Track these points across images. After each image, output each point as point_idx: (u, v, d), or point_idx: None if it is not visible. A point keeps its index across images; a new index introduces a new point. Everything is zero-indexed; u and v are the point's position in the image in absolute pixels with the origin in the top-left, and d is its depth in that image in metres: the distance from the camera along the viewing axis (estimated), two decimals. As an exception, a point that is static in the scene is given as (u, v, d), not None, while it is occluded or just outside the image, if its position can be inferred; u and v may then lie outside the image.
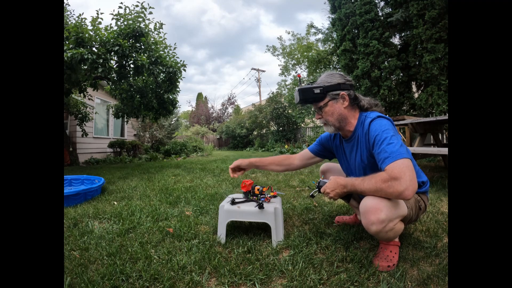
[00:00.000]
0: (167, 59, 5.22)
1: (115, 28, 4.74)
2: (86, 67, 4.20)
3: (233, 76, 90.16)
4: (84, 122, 6.76)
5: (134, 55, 4.73)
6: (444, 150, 2.54)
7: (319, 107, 1.22)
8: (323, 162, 1.63)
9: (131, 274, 1.07)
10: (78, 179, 3.24)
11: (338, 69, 8.56)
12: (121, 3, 4.66)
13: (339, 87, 1.18)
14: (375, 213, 1.01)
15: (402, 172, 0.95)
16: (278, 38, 12.17)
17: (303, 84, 1.25)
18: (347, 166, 1.37)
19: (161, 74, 5.32)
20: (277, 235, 1.37)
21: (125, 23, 4.70)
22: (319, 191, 1.21)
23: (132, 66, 4.99)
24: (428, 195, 1.30)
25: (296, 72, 10.54)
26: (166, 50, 5.30)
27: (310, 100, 1.21)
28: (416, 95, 5.70)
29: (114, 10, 4.64)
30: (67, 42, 4.21)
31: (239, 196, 1.62)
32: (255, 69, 24.26)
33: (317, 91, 1.16)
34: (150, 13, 4.85)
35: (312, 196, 1.28)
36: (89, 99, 6.49)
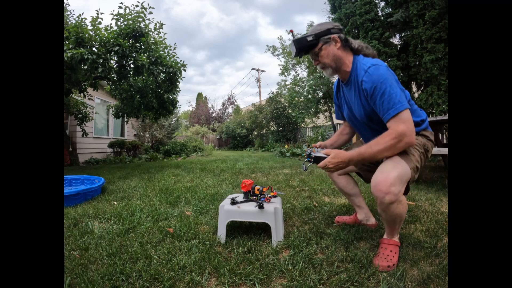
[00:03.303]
0: (167, 59, 5.21)
1: (115, 28, 4.74)
2: (86, 67, 4.19)
3: (232, 77, 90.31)
4: (84, 122, 6.76)
5: (134, 55, 4.73)
6: (444, 150, 2.54)
7: (315, 53, 1.28)
8: None
9: (131, 274, 1.07)
10: (78, 179, 3.24)
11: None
12: (121, 3, 4.66)
13: (329, 32, 1.24)
14: (386, 182, 1.04)
15: (406, 125, 1.06)
16: (278, 38, 12.16)
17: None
18: (349, 113, 1.39)
19: (161, 74, 5.32)
20: (277, 235, 1.37)
21: (125, 23, 4.69)
22: (314, 163, 1.20)
23: (132, 66, 4.98)
24: (430, 128, 1.33)
25: (296, 72, 10.54)
26: (166, 50, 5.29)
27: (305, 48, 1.27)
28: (416, 95, 5.69)
29: (114, 10, 4.64)
30: (67, 42, 4.20)
31: (236, 195, 1.62)
32: (255, 69, 24.29)
33: (310, 38, 1.24)
34: (150, 13, 4.85)
35: (305, 169, 1.27)
36: (89, 99, 6.49)
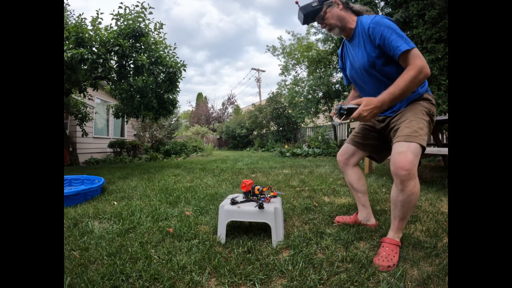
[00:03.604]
0: (167, 59, 5.21)
1: (115, 28, 4.74)
2: (86, 67, 4.19)
3: (232, 77, 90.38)
4: (84, 122, 6.76)
5: (134, 55, 4.73)
6: (444, 150, 2.54)
7: (320, 17, 1.38)
8: None
9: (131, 274, 1.07)
10: (78, 179, 3.24)
11: (338, 69, 8.55)
12: (121, 3, 4.66)
13: None
14: (406, 160, 1.13)
15: (421, 59, 1.16)
16: (278, 38, 12.15)
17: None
18: (351, 70, 1.47)
19: (161, 74, 5.32)
20: (277, 235, 1.37)
21: (125, 23, 4.69)
22: (348, 115, 1.22)
23: (132, 66, 4.98)
24: (430, 91, 1.41)
25: (296, 72, 10.54)
26: (166, 50, 5.29)
27: (311, 13, 1.37)
28: (416, 95, 5.69)
29: (114, 10, 4.64)
30: (67, 42, 4.20)
31: (236, 195, 1.62)
32: (255, 69, 24.28)
33: (314, 4, 1.36)
34: (150, 13, 4.85)
35: (339, 124, 1.29)
36: (89, 99, 6.49)
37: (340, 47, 1.57)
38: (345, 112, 1.21)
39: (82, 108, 6.70)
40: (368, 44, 1.30)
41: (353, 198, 2.29)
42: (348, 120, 1.36)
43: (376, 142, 1.56)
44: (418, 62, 1.15)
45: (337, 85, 8.49)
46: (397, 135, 1.23)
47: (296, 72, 10.54)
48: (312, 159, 6.71)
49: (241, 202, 1.50)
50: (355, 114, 1.19)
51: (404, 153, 1.15)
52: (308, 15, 1.37)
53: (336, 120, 1.28)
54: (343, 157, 1.63)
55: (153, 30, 5.08)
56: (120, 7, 4.64)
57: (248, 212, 1.40)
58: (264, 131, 15.64)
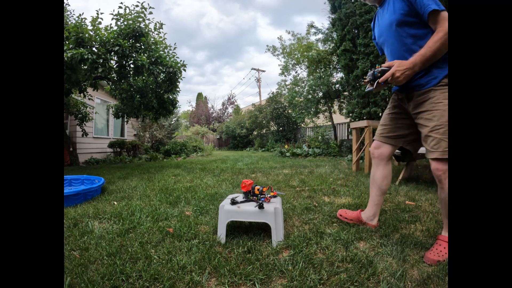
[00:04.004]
0: (167, 59, 5.21)
1: (115, 28, 4.74)
2: (86, 67, 4.19)
3: (232, 77, 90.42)
4: (84, 122, 6.75)
5: (134, 55, 4.73)
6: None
7: None
8: None
9: (131, 274, 1.07)
10: (78, 179, 3.24)
11: (338, 69, 8.56)
12: (121, 3, 4.65)
13: None
14: (442, 161, 1.21)
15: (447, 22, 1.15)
16: (278, 38, 12.15)
17: None
18: (379, 33, 1.48)
19: (161, 74, 5.32)
20: (277, 235, 1.37)
21: (125, 23, 4.69)
22: (379, 78, 1.23)
23: (132, 66, 4.98)
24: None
25: (296, 72, 10.54)
26: (166, 50, 5.29)
27: None
28: (416, 95, 5.70)
29: (114, 10, 4.64)
30: (67, 42, 4.20)
31: (236, 195, 1.62)
32: (255, 69, 24.29)
33: None
34: (150, 13, 4.84)
35: (374, 87, 1.30)
36: (89, 99, 6.49)
37: (372, 20, 1.60)
38: (379, 74, 1.23)
39: (82, 108, 6.70)
40: (397, 2, 1.30)
41: (353, 198, 2.29)
42: (381, 89, 1.37)
43: (406, 130, 1.45)
44: (447, 24, 1.15)
45: (337, 85, 8.49)
46: (433, 147, 1.24)
47: (296, 72, 10.54)
48: (312, 159, 6.71)
49: (241, 202, 1.50)
50: (388, 74, 1.20)
51: (437, 152, 1.23)
52: None
53: (369, 87, 1.30)
54: (378, 151, 1.54)
55: (153, 30, 5.08)
56: (120, 7, 4.64)
57: (248, 212, 1.40)
58: (264, 131, 15.64)
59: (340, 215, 1.67)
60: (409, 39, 1.30)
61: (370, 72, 1.28)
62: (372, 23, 1.60)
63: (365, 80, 1.34)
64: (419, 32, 1.27)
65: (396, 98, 1.48)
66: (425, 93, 1.28)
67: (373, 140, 1.59)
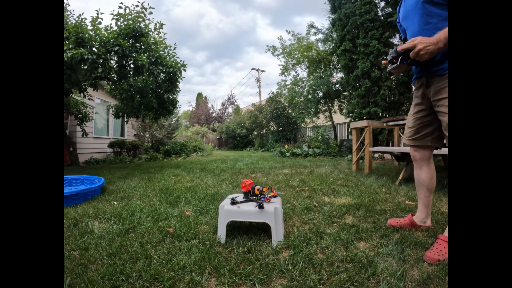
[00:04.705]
0: (167, 59, 5.22)
1: (115, 28, 4.74)
2: (86, 67, 4.20)
3: (231, 77, 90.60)
4: (84, 122, 6.75)
5: (134, 55, 4.73)
6: (444, 150, 2.53)
7: None
8: None
9: (131, 274, 1.07)
10: (78, 179, 3.24)
11: (338, 69, 8.56)
12: (121, 3, 4.66)
13: None
14: None
15: None
16: (278, 38, 12.15)
17: None
18: (404, 13, 1.46)
19: (161, 74, 5.32)
20: (277, 235, 1.37)
21: (125, 23, 4.70)
22: (404, 56, 1.20)
23: (132, 66, 4.98)
24: None
25: (296, 72, 10.55)
26: (166, 50, 5.30)
27: None
28: (416, 95, 5.70)
29: (114, 10, 4.64)
30: (67, 42, 4.20)
31: (236, 195, 1.62)
32: (255, 69, 24.28)
33: None
34: (150, 13, 4.85)
35: (397, 65, 1.25)
36: (89, 99, 6.49)
37: (398, 5, 1.59)
38: (402, 52, 1.20)
39: (82, 108, 6.70)
40: None
41: (353, 198, 2.29)
42: (403, 70, 1.31)
43: (430, 128, 1.41)
44: None
45: (337, 85, 8.49)
46: None
47: (296, 72, 10.54)
48: (312, 159, 6.71)
49: (241, 202, 1.50)
50: (410, 44, 1.16)
51: None
52: None
53: (391, 66, 1.26)
54: (418, 154, 1.48)
55: (153, 30, 5.08)
56: (120, 7, 4.64)
57: (248, 212, 1.40)
58: (264, 131, 15.64)
59: (391, 226, 1.57)
60: (434, 18, 1.25)
61: (392, 50, 1.24)
62: (398, 7, 1.59)
63: (385, 61, 1.30)
64: (445, 14, 1.22)
65: (417, 88, 1.42)
66: (446, 78, 1.24)
67: (403, 143, 1.59)
